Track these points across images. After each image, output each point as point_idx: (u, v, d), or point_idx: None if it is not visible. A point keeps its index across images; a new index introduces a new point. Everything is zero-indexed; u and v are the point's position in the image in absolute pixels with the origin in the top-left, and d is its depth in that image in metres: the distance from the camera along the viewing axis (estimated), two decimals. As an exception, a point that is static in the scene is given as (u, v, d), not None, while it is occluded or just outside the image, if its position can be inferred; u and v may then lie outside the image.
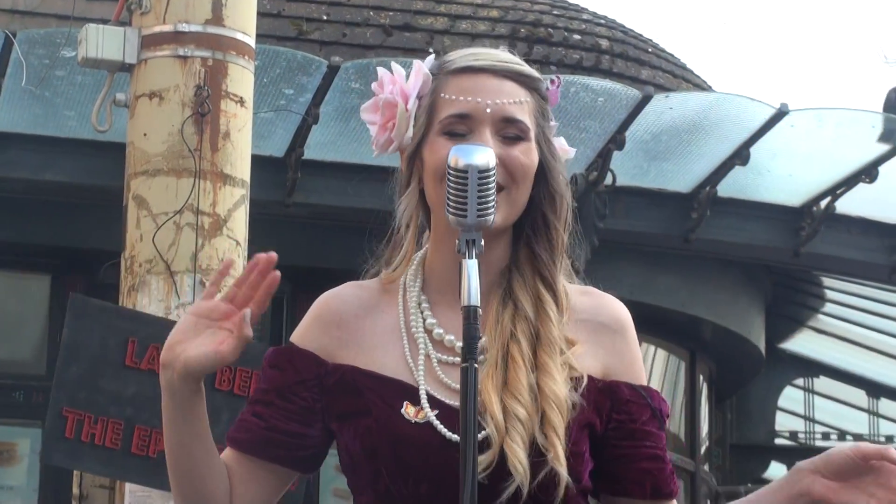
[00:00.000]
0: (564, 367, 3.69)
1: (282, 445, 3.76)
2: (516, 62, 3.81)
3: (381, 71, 3.84)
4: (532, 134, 3.74)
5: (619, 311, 3.86)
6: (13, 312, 14.37)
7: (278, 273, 3.58)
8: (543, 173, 3.77)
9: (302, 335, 3.81)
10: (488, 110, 3.69)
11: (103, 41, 9.68)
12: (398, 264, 3.84)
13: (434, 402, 3.64)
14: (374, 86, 3.85)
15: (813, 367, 18.77)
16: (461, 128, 3.69)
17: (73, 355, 9.41)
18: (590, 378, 3.71)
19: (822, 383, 19.25)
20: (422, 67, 3.79)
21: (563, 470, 3.57)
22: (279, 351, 3.83)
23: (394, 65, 3.84)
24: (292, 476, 3.84)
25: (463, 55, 3.81)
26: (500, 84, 3.74)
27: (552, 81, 3.85)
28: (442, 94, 3.74)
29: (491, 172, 3.53)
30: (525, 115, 3.73)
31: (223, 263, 3.58)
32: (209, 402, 3.69)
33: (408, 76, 3.81)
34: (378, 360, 3.73)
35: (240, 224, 9.58)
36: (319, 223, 12.43)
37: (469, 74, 3.75)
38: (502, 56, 3.81)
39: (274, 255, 3.59)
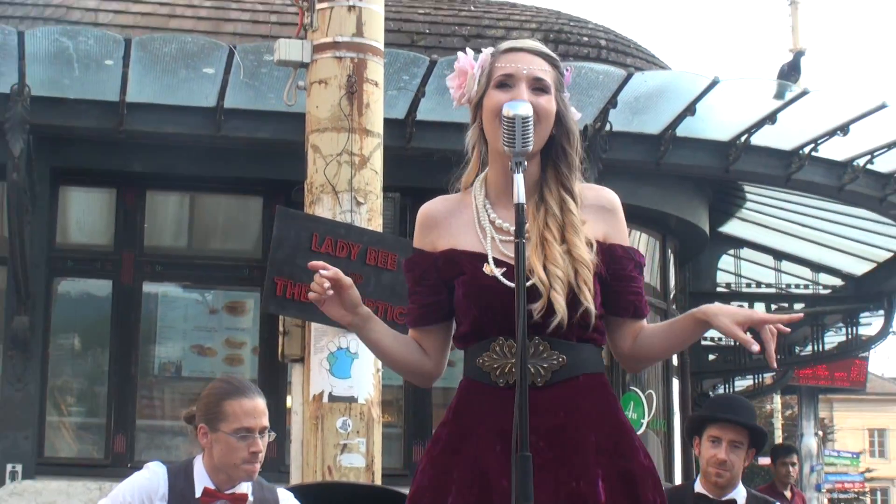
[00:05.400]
0: (587, 241, 3.79)
1: (433, 312, 3.91)
2: (545, 49, 3.93)
3: (459, 54, 3.98)
4: (552, 91, 3.84)
5: (612, 198, 3.96)
6: (241, 223, 14.45)
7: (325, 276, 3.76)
8: (561, 120, 3.86)
9: (418, 238, 3.96)
10: (525, 71, 3.81)
11: (290, 49, 9.71)
12: (467, 175, 3.96)
13: (499, 264, 3.74)
14: (455, 64, 3.97)
15: (739, 242, 18.71)
16: (508, 82, 3.81)
17: (278, 244, 9.48)
18: (599, 244, 3.83)
19: (745, 252, 19.19)
20: (486, 52, 3.92)
21: (592, 307, 3.72)
22: (407, 260, 3.99)
23: (468, 49, 3.98)
24: (450, 325, 3.94)
25: (513, 41, 3.94)
26: (532, 58, 3.85)
27: (567, 70, 3.95)
28: (496, 64, 3.86)
29: (530, 119, 3.63)
30: (548, 78, 3.83)
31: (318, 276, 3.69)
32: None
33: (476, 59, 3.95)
34: (463, 241, 3.84)
35: (377, 161, 9.61)
36: (427, 159, 12.41)
37: (514, 52, 3.87)
38: (535, 43, 3.93)
39: (317, 264, 3.78)
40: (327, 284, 3.71)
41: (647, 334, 3.90)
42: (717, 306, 3.77)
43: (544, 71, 3.83)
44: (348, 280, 3.73)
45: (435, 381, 4.01)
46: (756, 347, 3.63)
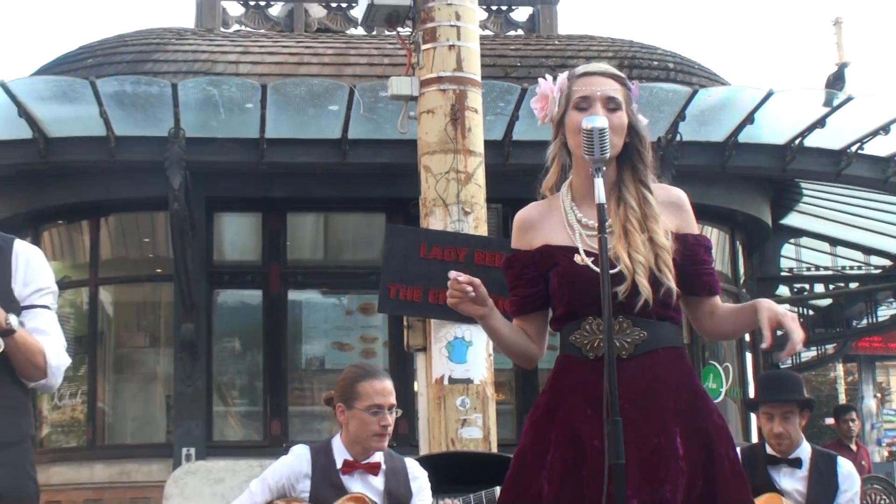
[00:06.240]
0: (665, 229, 3.83)
1: (532, 302, 3.94)
2: (614, 70, 3.94)
3: (540, 80, 4.00)
4: (623, 107, 3.85)
5: (680, 194, 3.98)
6: (368, 236, 14.45)
7: (461, 283, 3.76)
8: (633, 129, 3.89)
9: (515, 239, 4.00)
10: (598, 93, 3.84)
11: (401, 85, 9.77)
12: (548, 180, 4.00)
13: (588, 255, 3.78)
14: (537, 88, 3.99)
15: (798, 232, 18.44)
16: (584, 104, 3.84)
17: (390, 256, 9.56)
18: (673, 234, 3.86)
19: (804, 240, 18.92)
20: (563, 77, 3.94)
21: (673, 286, 3.75)
22: (506, 259, 4.01)
23: (547, 76, 4.00)
24: (547, 313, 3.98)
25: (586, 66, 3.97)
26: (604, 80, 3.88)
27: (634, 85, 3.97)
28: (573, 88, 3.88)
29: (606, 130, 3.68)
30: (619, 96, 3.85)
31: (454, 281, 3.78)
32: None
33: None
34: (555, 238, 3.87)
35: (480, 177, 9.64)
36: (524, 173, 12.37)
37: (588, 76, 3.90)
38: (605, 66, 3.96)
39: (453, 274, 3.78)
40: (469, 289, 3.74)
41: (721, 315, 3.93)
42: (767, 303, 3.78)
43: (615, 90, 3.85)
44: (478, 280, 3.77)
45: (537, 362, 4.03)
46: (765, 345, 3.72)
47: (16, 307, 4.14)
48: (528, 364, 4.01)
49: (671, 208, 3.91)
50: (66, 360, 4.26)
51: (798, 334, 3.66)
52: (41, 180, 13.65)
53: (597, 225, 3.73)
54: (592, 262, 3.75)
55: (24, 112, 12.61)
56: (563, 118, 3.90)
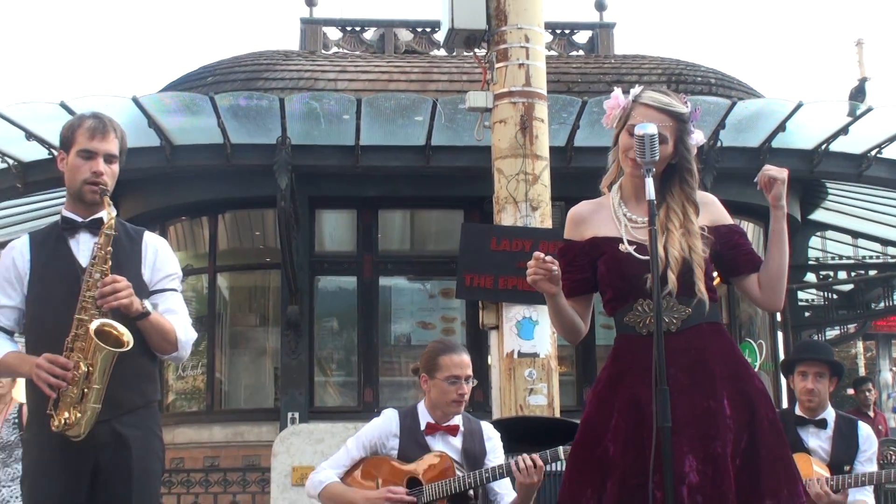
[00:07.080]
0: (701, 228, 3.83)
1: (582, 285, 3.94)
2: (669, 103, 3.89)
3: (616, 89, 4.03)
4: (669, 140, 3.85)
5: (710, 195, 4.02)
6: (448, 230, 14.41)
7: (548, 262, 3.73)
8: (681, 155, 3.90)
9: (568, 231, 4.02)
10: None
11: (477, 99, 9.72)
12: (607, 175, 4.00)
13: (631, 244, 3.81)
14: (612, 94, 4.00)
15: (824, 226, 18.19)
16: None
17: (465, 248, 9.55)
18: (708, 228, 3.87)
19: (829, 234, 18.67)
20: (631, 94, 3.95)
21: (702, 280, 3.75)
22: (560, 248, 4.01)
23: (619, 90, 4.01)
24: (592, 297, 4.01)
25: (648, 95, 3.92)
26: (658, 116, 3.85)
27: (695, 111, 3.96)
28: (632, 113, 3.88)
29: (656, 136, 3.68)
30: (667, 132, 3.84)
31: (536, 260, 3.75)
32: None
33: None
34: (603, 230, 3.90)
35: (546, 178, 9.56)
36: (583, 174, 12.30)
37: (646, 108, 3.86)
38: (664, 99, 3.89)
39: (539, 254, 3.73)
40: (555, 268, 3.73)
41: (762, 269, 3.94)
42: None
43: (665, 126, 3.82)
44: (557, 262, 3.78)
45: (581, 338, 4.02)
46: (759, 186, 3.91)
47: (145, 289, 4.18)
48: (574, 338, 4.00)
49: (705, 207, 3.93)
50: (194, 335, 4.30)
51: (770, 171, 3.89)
52: (167, 182, 13.79)
53: (639, 219, 3.80)
54: (634, 249, 3.77)
55: (153, 123, 12.75)
56: (621, 130, 3.90)
